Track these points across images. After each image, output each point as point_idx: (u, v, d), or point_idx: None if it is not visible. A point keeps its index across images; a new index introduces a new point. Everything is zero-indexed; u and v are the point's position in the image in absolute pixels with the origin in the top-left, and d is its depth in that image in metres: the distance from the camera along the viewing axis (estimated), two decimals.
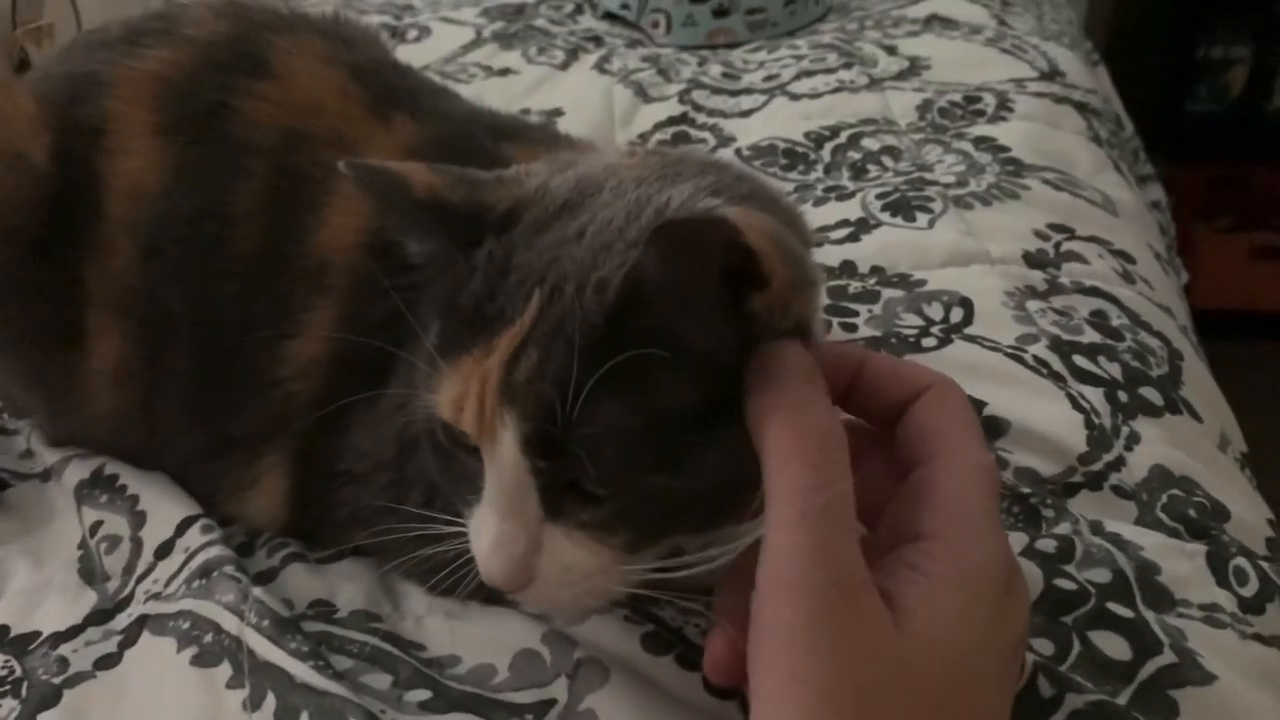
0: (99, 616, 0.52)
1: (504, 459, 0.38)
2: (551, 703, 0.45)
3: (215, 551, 0.53)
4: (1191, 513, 0.52)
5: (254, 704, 0.45)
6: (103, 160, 0.55)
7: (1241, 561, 0.50)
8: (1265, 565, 0.51)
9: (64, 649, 0.51)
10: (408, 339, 0.45)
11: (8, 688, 0.49)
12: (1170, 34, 2.18)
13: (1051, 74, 1.01)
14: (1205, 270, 1.86)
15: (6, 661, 0.50)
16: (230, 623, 0.49)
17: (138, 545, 0.55)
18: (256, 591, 0.50)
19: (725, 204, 0.39)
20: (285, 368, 0.53)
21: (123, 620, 0.52)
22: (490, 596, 0.49)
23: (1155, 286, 0.73)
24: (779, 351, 0.38)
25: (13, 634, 0.52)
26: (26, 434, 0.65)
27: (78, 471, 0.60)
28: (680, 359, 0.37)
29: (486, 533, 0.40)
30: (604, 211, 0.40)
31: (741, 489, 0.39)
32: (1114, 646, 0.45)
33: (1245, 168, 2.22)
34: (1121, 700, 0.43)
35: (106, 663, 0.49)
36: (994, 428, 0.56)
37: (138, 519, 0.56)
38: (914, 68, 1.03)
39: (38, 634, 0.52)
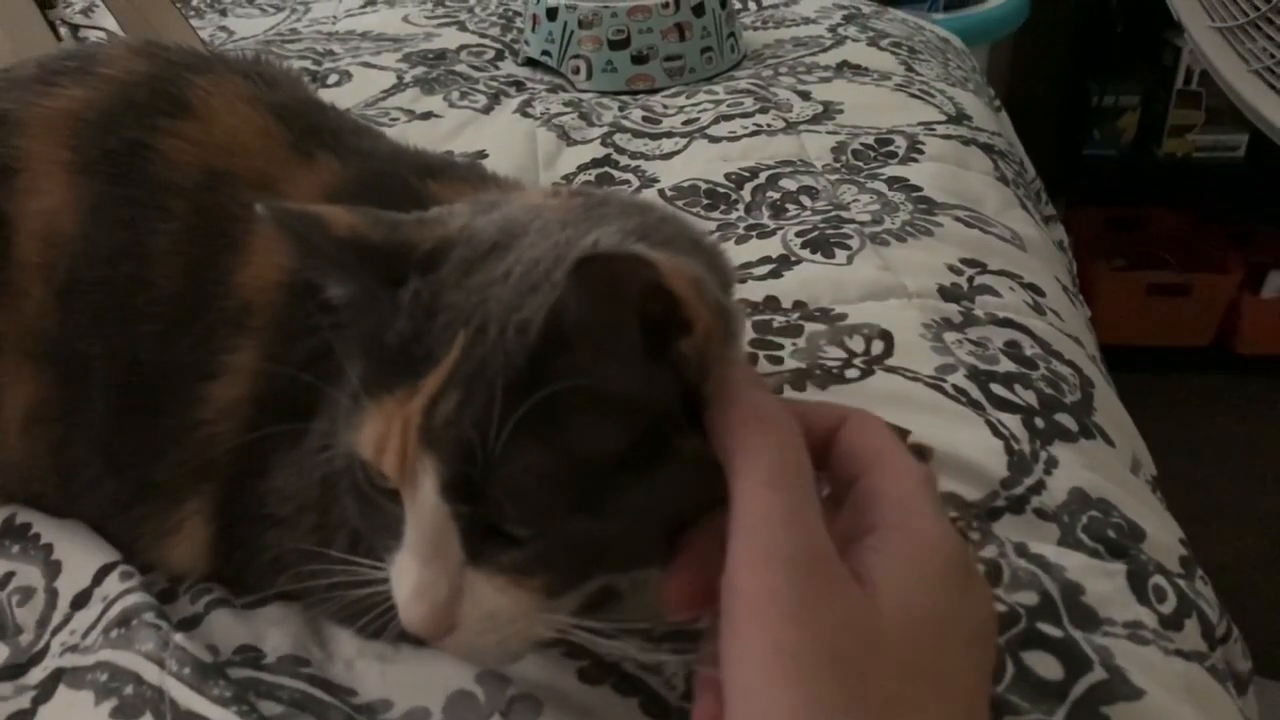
0: (11, 671, 0.50)
1: (424, 504, 0.38)
2: None
3: (134, 599, 0.51)
4: (1110, 533, 0.54)
5: None
6: (14, 201, 0.54)
7: (1160, 580, 0.52)
8: (1181, 583, 0.53)
9: None
10: (331, 379, 0.44)
11: None
12: (1065, 82, 2.28)
13: (958, 117, 1.04)
14: (1102, 306, 1.95)
15: None
16: (151, 672, 0.47)
17: (53, 596, 0.53)
18: (177, 638, 0.49)
19: (650, 248, 0.38)
20: (206, 410, 0.52)
21: (37, 674, 0.49)
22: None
23: (1065, 318, 0.76)
24: (727, 368, 0.39)
25: None
26: None
27: None
28: (603, 402, 0.37)
29: (407, 580, 0.39)
30: (529, 252, 0.40)
31: (666, 529, 0.39)
32: (1046, 666, 0.46)
33: (1139, 210, 2.33)
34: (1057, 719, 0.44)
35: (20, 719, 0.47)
36: (918, 456, 0.57)
37: (52, 569, 0.54)
38: (828, 112, 1.06)
39: None
